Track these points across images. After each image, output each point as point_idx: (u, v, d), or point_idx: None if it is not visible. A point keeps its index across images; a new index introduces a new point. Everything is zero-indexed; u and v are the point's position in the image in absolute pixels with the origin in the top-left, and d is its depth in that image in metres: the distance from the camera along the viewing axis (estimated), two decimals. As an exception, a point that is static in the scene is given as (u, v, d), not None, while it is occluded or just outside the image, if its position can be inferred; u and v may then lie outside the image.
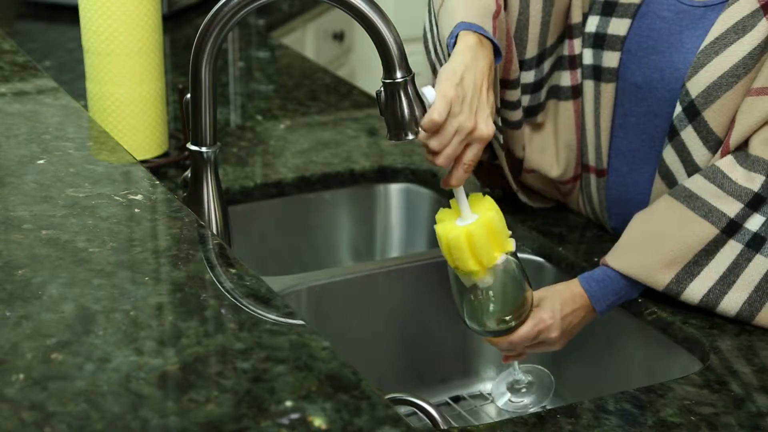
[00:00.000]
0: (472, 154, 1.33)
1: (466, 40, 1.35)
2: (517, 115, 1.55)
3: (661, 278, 1.40)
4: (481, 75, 1.33)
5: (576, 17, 1.54)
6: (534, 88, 1.57)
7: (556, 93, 1.59)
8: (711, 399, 1.24)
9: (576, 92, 1.57)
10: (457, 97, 1.30)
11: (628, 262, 1.42)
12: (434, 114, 1.29)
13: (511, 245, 1.38)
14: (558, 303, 1.41)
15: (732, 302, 1.38)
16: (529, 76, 1.56)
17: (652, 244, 1.41)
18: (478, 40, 1.35)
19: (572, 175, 1.62)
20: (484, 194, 1.38)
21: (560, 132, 1.60)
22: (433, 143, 1.31)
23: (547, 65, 1.56)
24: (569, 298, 1.42)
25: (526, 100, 1.58)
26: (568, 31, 1.56)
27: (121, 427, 0.85)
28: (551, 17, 1.53)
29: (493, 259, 1.35)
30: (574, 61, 1.56)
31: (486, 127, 1.32)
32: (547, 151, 1.62)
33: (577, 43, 1.55)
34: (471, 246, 1.34)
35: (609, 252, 1.45)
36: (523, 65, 1.55)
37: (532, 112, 1.60)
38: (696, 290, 1.39)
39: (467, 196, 1.35)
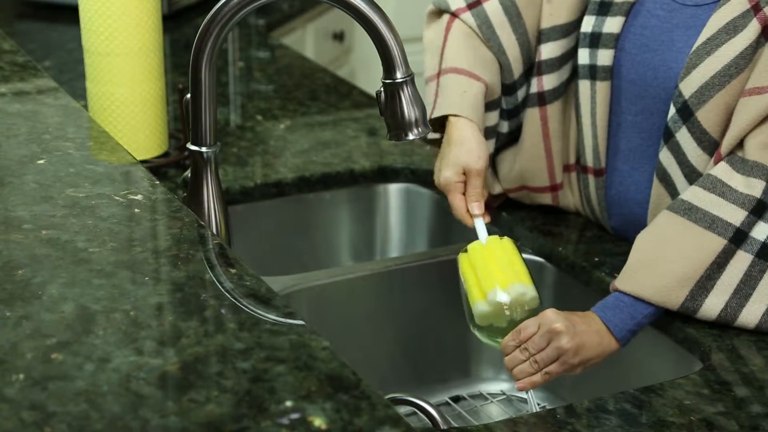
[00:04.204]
0: (473, 188, 1.50)
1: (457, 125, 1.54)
2: (489, 145, 1.60)
3: (675, 297, 1.37)
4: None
5: (544, 23, 1.56)
6: (522, 107, 1.61)
7: (524, 101, 1.61)
8: (711, 399, 1.24)
9: (542, 99, 1.57)
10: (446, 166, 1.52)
11: (639, 284, 1.38)
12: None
13: (526, 280, 1.42)
14: (571, 316, 1.37)
15: (751, 315, 1.36)
16: (516, 98, 1.60)
17: (661, 262, 1.37)
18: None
19: (547, 184, 1.62)
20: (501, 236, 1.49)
21: (525, 140, 1.60)
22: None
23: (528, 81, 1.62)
24: (584, 322, 1.37)
25: (506, 126, 1.62)
26: (537, 36, 1.58)
27: (121, 427, 0.85)
28: (528, 35, 1.57)
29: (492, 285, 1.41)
30: (540, 67, 1.57)
31: (473, 164, 1.50)
32: (504, 162, 1.65)
33: (545, 48, 1.56)
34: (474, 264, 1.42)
35: (618, 276, 1.41)
36: (512, 88, 1.58)
37: (514, 135, 1.64)
38: (712, 306, 1.36)
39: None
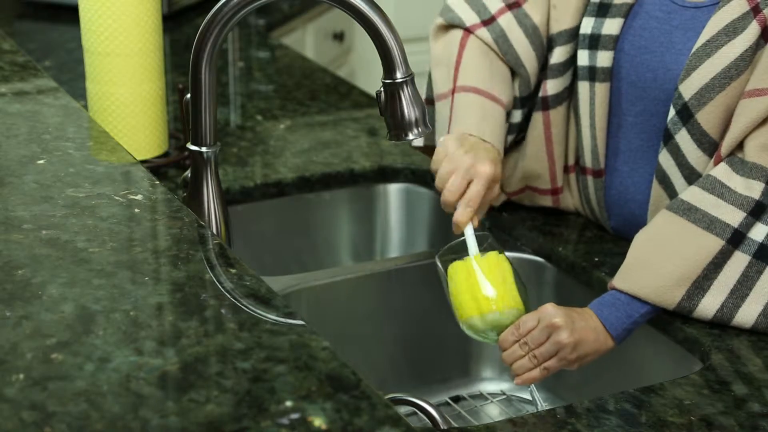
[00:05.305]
0: (473, 191, 1.44)
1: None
2: None
3: (671, 296, 1.37)
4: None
5: (552, 29, 1.56)
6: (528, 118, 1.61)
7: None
8: (711, 399, 1.24)
9: (546, 103, 1.57)
10: (456, 145, 1.46)
11: (636, 283, 1.38)
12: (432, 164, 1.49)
13: (519, 303, 1.41)
14: (569, 311, 1.37)
15: (747, 315, 1.36)
16: (526, 110, 1.61)
17: (658, 262, 1.38)
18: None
19: (549, 187, 1.62)
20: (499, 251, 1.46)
21: (528, 143, 1.60)
22: (438, 181, 1.46)
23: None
24: (582, 318, 1.37)
25: (510, 138, 1.62)
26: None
27: (121, 427, 0.85)
28: (544, 46, 1.57)
29: (490, 304, 1.40)
30: (545, 72, 1.57)
31: (484, 166, 1.45)
32: (507, 166, 1.65)
33: (550, 54, 1.56)
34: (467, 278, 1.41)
35: (616, 275, 1.42)
36: (526, 100, 1.59)
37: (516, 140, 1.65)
38: (708, 306, 1.36)
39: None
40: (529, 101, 1.60)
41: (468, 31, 1.58)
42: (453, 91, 1.56)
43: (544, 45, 1.58)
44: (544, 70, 1.59)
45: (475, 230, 1.46)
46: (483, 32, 1.57)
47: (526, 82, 1.58)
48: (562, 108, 1.58)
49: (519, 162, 1.63)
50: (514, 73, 1.59)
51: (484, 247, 1.44)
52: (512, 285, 1.41)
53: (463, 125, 1.52)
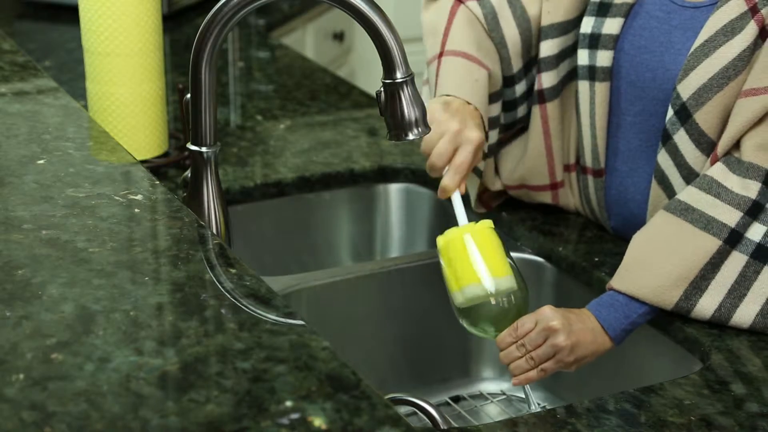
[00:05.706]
0: (461, 157, 1.44)
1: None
2: (491, 136, 1.58)
3: (669, 297, 1.37)
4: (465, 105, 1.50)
5: (543, 20, 1.56)
6: (520, 101, 1.60)
7: (522, 95, 1.61)
8: (710, 399, 1.24)
9: (542, 97, 1.57)
10: (442, 110, 1.47)
11: (634, 284, 1.38)
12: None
13: (509, 271, 1.40)
14: (567, 313, 1.37)
15: (745, 315, 1.36)
16: (514, 91, 1.60)
17: (656, 262, 1.38)
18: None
19: (548, 182, 1.62)
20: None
21: (528, 138, 1.60)
22: (424, 145, 1.46)
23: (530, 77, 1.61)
24: (579, 319, 1.37)
25: (502, 117, 1.61)
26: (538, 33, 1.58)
27: (121, 427, 0.85)
28: (531, 31, 1.57)
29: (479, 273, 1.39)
30: (539, 65, 1.58)
31: (472, 132, 1.45)
32: (507, 159, 1.64)
33: (543, 45, 1.56)
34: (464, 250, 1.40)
35: (614, 276, 1.42)
36: (511, 81, 1.58)
37: (512, 130, 1.64)
38: (706, 305, 1.37)
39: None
40: (511, 82, 1.59)
41: (459, 1, 1.59)
42: (440, 55, 1.57)
43: (532, 29, 1.58)
44: (536, 62, 1.59)
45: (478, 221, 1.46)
46: (474, 5, 1.58)
47: (507, 62, 1.58)
48: (559, 101, 1.58)
49: (517, 157, 1.63)
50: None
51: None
52: (502, 252, 1.41)
53: (449, 87, 1.53)
